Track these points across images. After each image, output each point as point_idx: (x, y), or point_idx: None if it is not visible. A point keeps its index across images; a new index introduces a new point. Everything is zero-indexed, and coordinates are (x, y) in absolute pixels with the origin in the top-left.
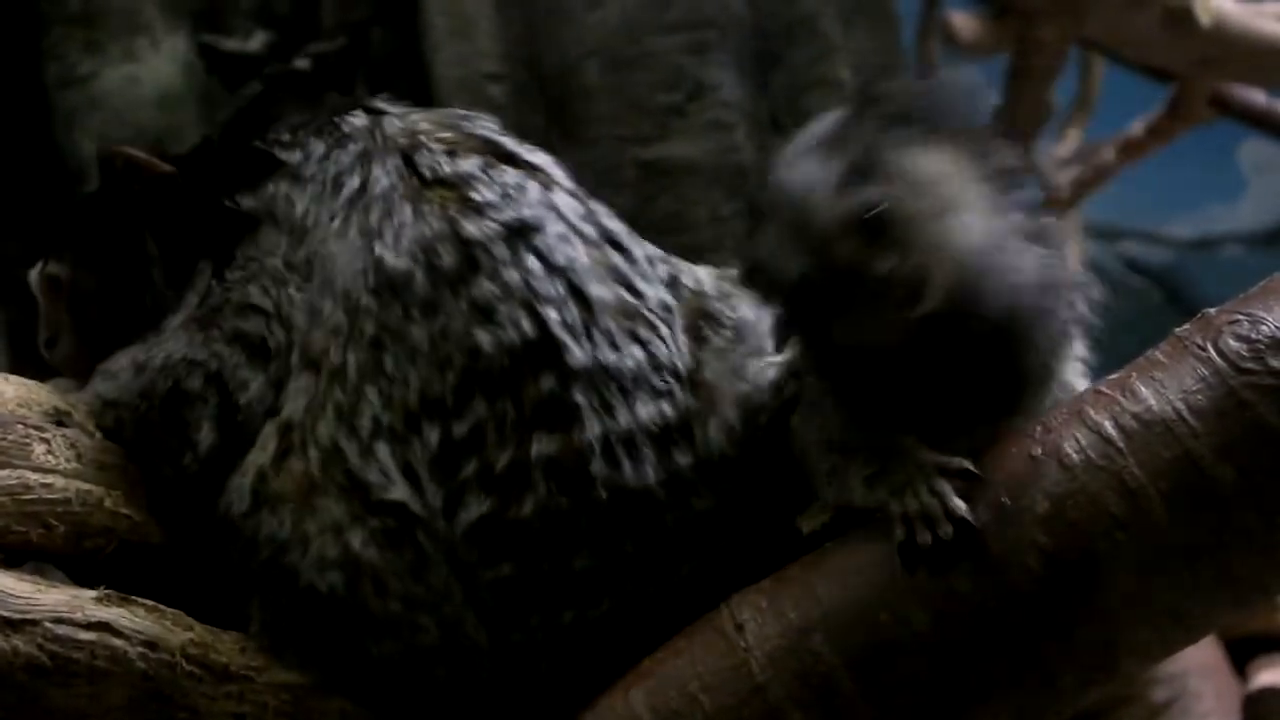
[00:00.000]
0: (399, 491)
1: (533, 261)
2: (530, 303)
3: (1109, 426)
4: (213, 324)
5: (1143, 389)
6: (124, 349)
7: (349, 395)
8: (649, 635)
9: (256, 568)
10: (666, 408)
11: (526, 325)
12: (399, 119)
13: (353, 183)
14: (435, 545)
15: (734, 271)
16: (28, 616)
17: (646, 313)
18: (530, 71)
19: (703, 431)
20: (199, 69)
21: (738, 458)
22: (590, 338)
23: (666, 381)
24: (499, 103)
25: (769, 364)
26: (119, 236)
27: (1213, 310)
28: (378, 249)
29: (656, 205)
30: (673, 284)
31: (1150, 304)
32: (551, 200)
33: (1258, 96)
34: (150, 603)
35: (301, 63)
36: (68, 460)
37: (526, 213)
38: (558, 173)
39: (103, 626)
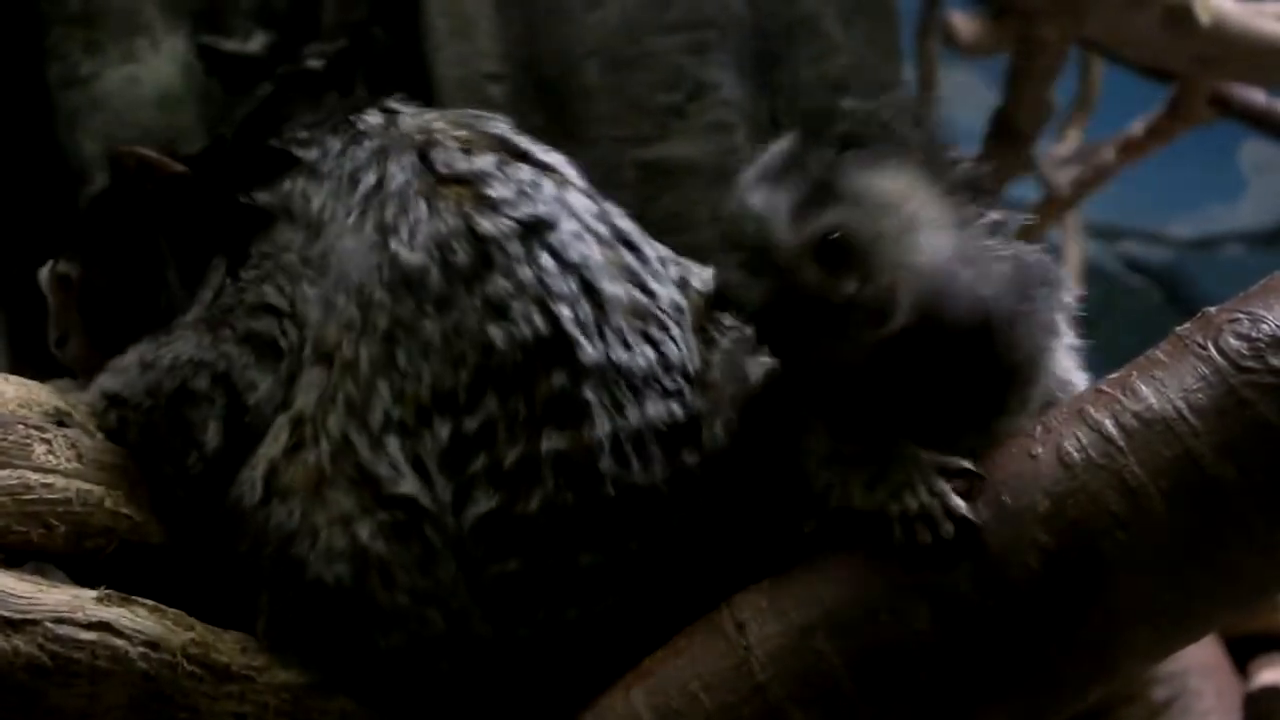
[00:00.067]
0: (408, 485)
1: (546, 259)
2: (543, 300)
3: (1110, 425)
4: (224, 324)
5: (1143, 388)
6: (133, 346)
7: (360, 388)
8: (651, 634)
9: (265, 560)
10: (676, 408)
11: (539, 322)
12: (413, 117)
13: (369, 179)
14: (443, 539)
15: None
16: (29, 616)
17: (658, 313)
18: (530, 72)
19: (709, 432)
20: (199, 70)
21: (740, 459)
22: (602, 336)
23: (676, 382)
24: (499, 103)
25: (767, 365)
26: (131, 236)
27: (1213, 309)
28: (393, 245)
29: (657, 205)
30: (683, 285)
31: (1150, 303)
32: (566, 198)
33: (1258, 96)
34: (151, 603)
35: (314, 63)
36: (68, 460)
37: (541, 209)
38: (571, 172)
39: (104, 626)
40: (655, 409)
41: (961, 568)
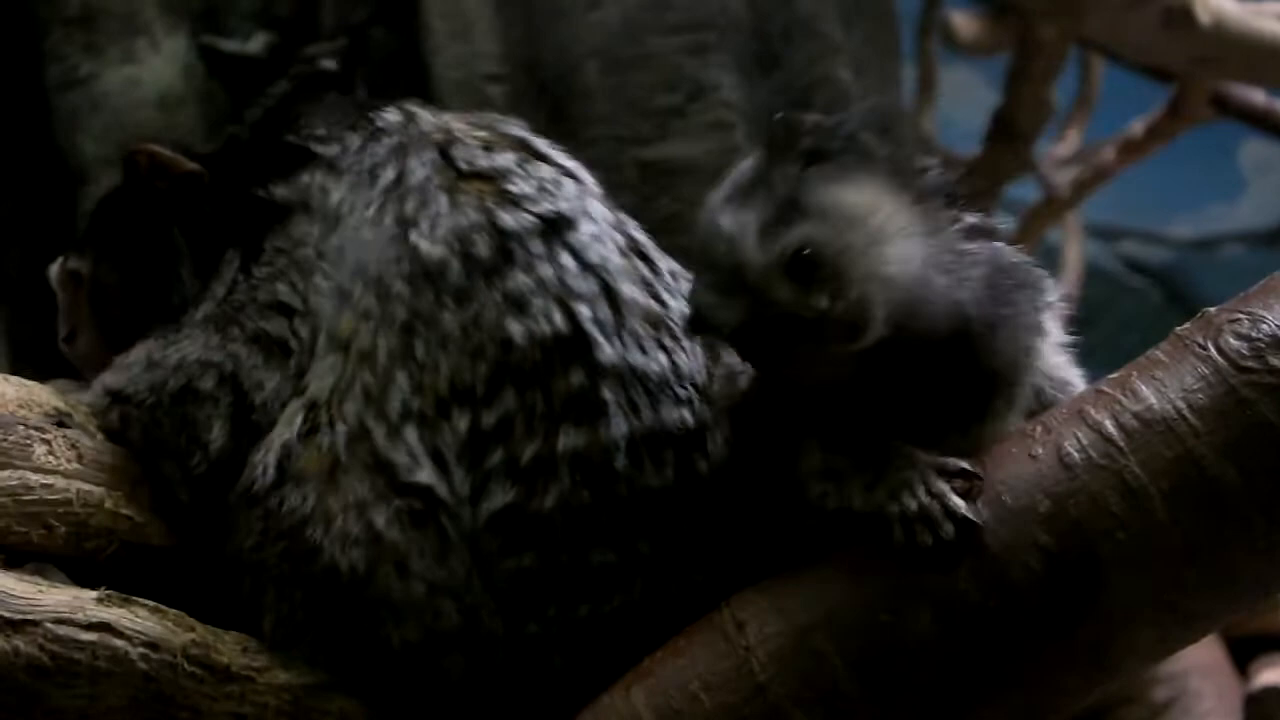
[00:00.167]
0: (426, 475)
1: (567, 258)
2: (563, 298)
3: (1110, 426)
4: (233, 323)
5: (1143, 388)
6: (140, 343)
7: (378, 377)
8: (655, 635)
9: (276, 548)
10: (687, 415)
11: (559, 319)
12: (432, 117)
13: (388, 174)
14: (458, 531)
15: None
16: (29, 617)
17: (670, 323)
18: (530, 73)
19: (714, 443)
20: (199, 70)
21: (737, 469)
22: (620, 337)
23: (687, 390)
24: (498, 104)
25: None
26: (143, 233)
27: (1213, 309)
28: (413, 237)
29: (657, 206)
30: None
31: (1151, 303)
32: (586, 200)
33: (1258, 96)
34: (151, 603)
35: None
36: (68, 461)
37: (563, 206)
38: (588, 178)
39: (104, 627)
40: (669, 414)
41: (962, 568)
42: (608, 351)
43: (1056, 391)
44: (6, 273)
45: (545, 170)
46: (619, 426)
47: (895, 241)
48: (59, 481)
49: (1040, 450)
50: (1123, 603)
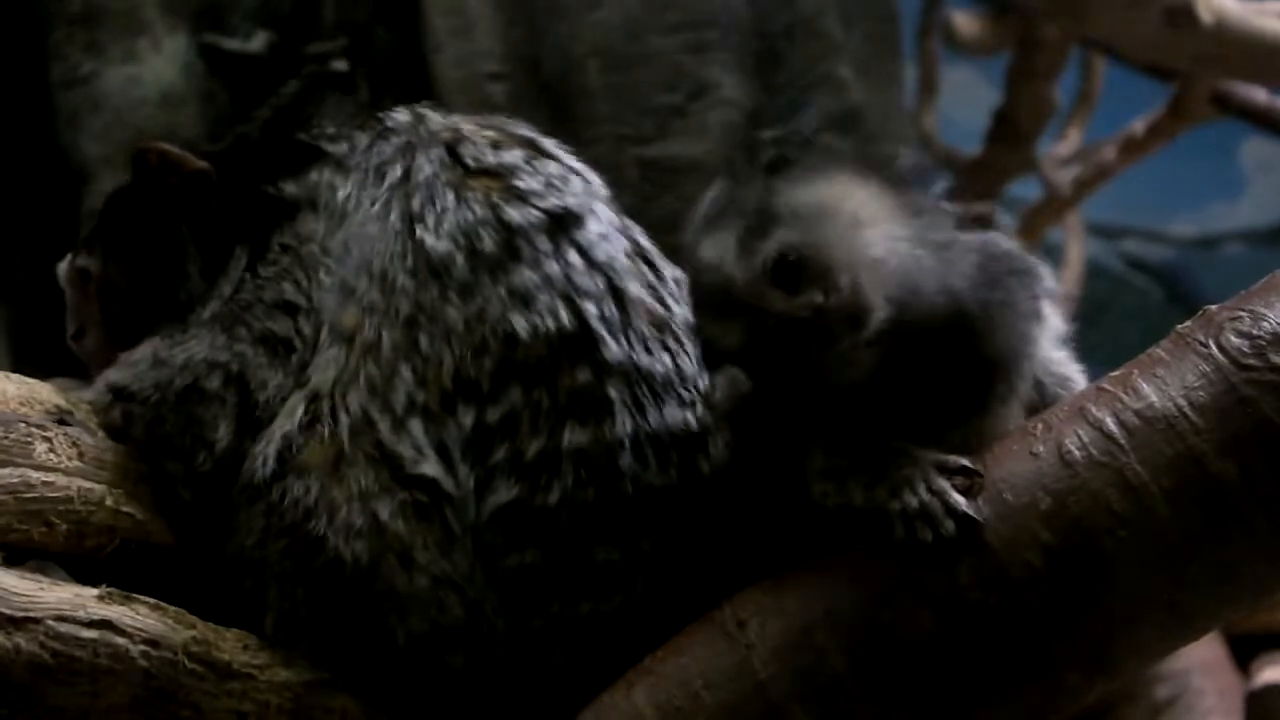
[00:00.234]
0: (431, 468)
1: (574, 255)
2: (570, 295)
3: (1111, 423)
4: (240, 322)
5: (1144, 386)
6: (147, 341)
7: (383, 370)
8: (655, 634)
9: (278, 545)
10: (690, 417)
11: (565, 316)
12: (442, 117)
13: (395, 171)
14: (462, 526)
15: None
16: (30, 615)
17: (674, 327)
18: (531, 71)
19: (715, 447)
20: (199, 69)
21: (739, 473)
22: (626, 336)
23: (691, 393)
24: (499, 103)
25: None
26: (151, 231)
27: (1214, 307)
28: (419, 232)
29: (658, 205)
30: None
31: (1152, 302)
32: (594, 198)
33: (1259, 95)
34: (152, 601)
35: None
36: (69, 458)
37: (571, 201)
38: (595, 180)
39: (105, 625)
40: (673, 415)
41: (963, 565)
42: (614, 349)
43: (1057, 388)
44: (8, 271)
45: (553, 167)
46: (624, 425)
47: (875, 224)
48: (60, 479)
49: (1041, 448)
50: (1124, 600)
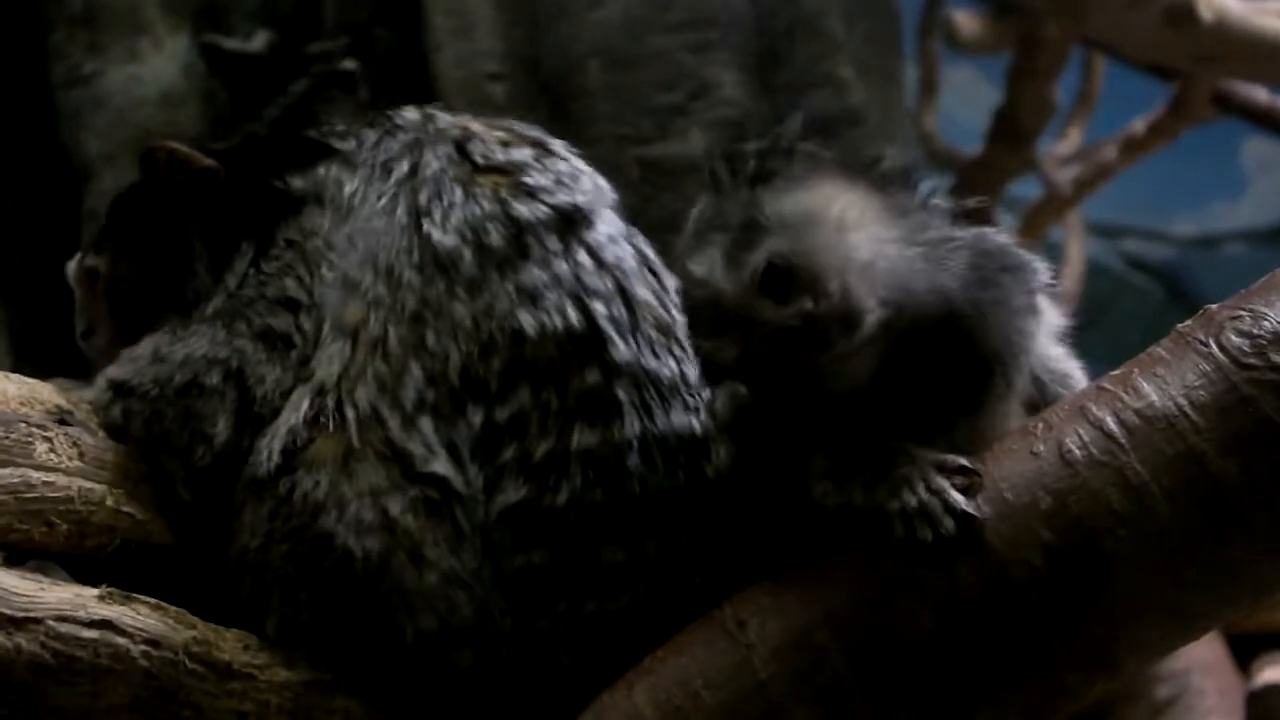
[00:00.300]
0: (442, 466)
1: (584, 255)
2: (579, 295)
3: (1111, 422)
4: (241, 318)
5: (1145, 385)
6: (149, 336)
7: (392, 366)
8: (658, 634)
9: (282, 549)
10: (695, 422)
11: (574, 315)
12: (451, 116)
13: (402, 167)
14: (471, 525)
15: None
16: (30, 615)
17: (678, 334)
18: (531, 71)
19: (718, 454)
20: (200, 69)
21: (740, 478)
22: (635, 338)
23: (695, 399)
24: (500, 103)
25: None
26: (160, 230)
27: (1214, 306)
28: (425, 226)
29: (659, 204)
30: None
31: (1152, 301)
32: (602, 198)
33: (1259, 94)
34: (153, 601)
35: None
36: (70, 458)
37: (580, 199)
38: (605, 184)
39: (105, 625)
40: (679, 419)
41: (963, 564)
42: (623, 350)
43: (1057, 385)
44: (9, 270)
45: (563, 165)
46: (632, 427)
47: (861, 227)
48: (60, 479)
49: (1042, 447)
50: (1124, 599)
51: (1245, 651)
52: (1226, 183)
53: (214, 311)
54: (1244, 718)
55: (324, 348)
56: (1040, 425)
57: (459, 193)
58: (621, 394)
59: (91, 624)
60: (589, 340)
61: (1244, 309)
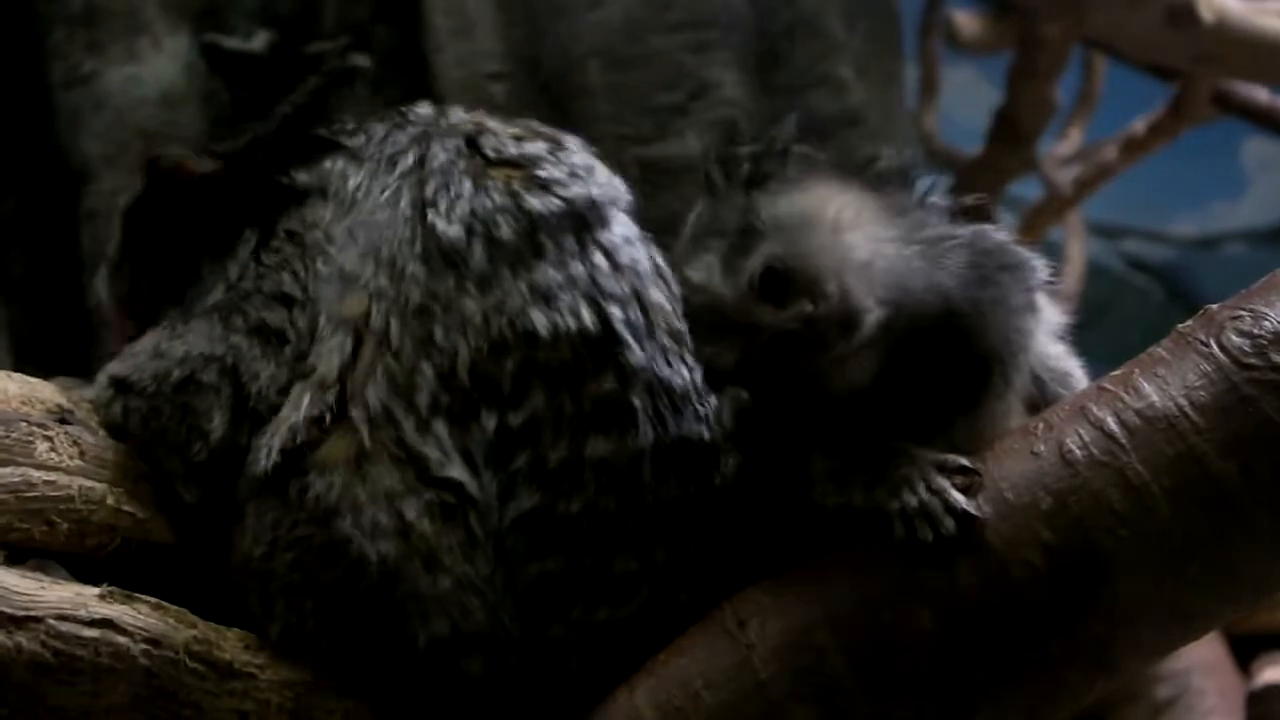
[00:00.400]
0: (457, 471)
1: (599, 257)
2: (594, 296)
3: (1111, 422)
4: (238, 312)
5: (1145, 385)
6: (150, 332)
7: (403, 364)
8: (665, 641)
9: (286, 557)
10: (705, 431)
11: (588, 317)
12: (464, 112)
13: (408, 159)
14: (485, 531)
15: None
16: (31, 614)
17: (688, 342)
18: (531, 71)
19: (725, 463)
20: (200, 69)
21: (745, 482)
22: (649, 343)
23: (704, 407)
24: (500, 103)
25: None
26: (168, 238)
27: (1215, 306)
28: (430, 216)
29: (659, 204)
30: None
31: (1153, 301)
32: (617, 196)
33: (1260, 94)
34: (153, 600)
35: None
36: (70, 457)
37: (595, 192)
38: (621, 184)
39: (106, 624)
40: (690, 428)
41: (963, 564)
42: (638, 355)
43: (1057, 384)
44: (9, 270)
45: (577, 159)
46: (646, 435)
47: (857, 228)
48: (61, 478)
49: (1042, 447)
50: (1124, 599)
51: (1245, 651)
52: (1227, 183)
53: (212, 305)
54: (1244, 718)
55: (322, 342)
56: (1041, 425)
57: (468, 185)
58: (636, 401)
59: (92, 623)
60: (604, 344)
61: (1244, 309)
